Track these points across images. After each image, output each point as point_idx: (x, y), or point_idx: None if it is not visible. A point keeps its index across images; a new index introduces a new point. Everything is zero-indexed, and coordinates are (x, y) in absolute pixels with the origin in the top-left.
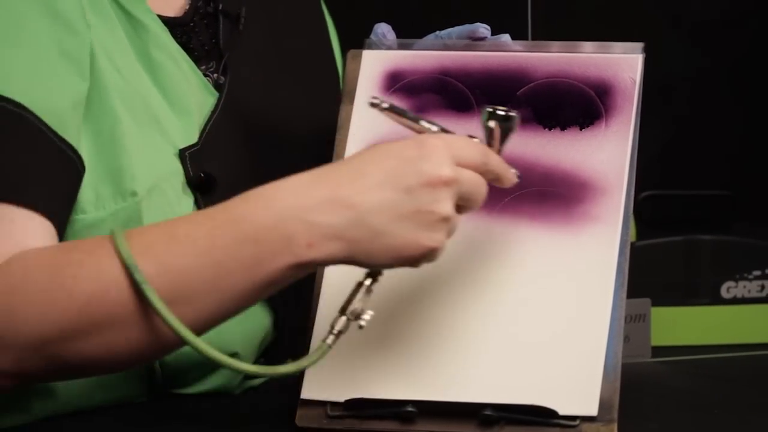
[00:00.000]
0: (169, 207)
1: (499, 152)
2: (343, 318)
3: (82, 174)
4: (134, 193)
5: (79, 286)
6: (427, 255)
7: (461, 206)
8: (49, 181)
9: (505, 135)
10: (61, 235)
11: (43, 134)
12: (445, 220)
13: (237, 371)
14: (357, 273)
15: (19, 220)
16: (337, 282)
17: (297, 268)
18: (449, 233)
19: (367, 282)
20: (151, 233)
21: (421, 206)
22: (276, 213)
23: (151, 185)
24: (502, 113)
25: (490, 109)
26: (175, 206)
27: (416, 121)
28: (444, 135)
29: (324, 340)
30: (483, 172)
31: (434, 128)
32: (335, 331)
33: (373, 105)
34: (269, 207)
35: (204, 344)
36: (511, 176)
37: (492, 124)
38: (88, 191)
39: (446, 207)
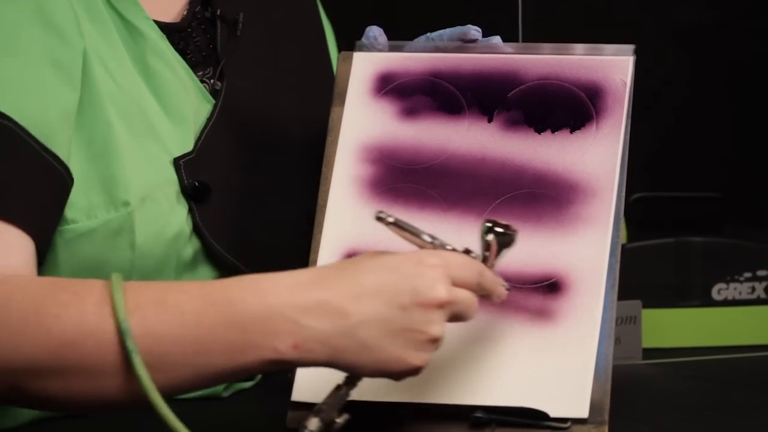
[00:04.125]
0: (162, 216)
1: (492, 266)
2: (316, 420)
3: (69, 186)
4: (126, 203)
5: (58, 327)
6: (412, 372)
7: (452, 319)
8: (31, 195)
9: (501, 249)
10: (46, 248)
11: (28, 146)
12: (435, 340)
13: None
14: None
15: None
16: None
17: (276, 363)
18: (436, 350)
19: (346, 386)
20: (143, 294)
21: (412, 325)
22: (268, 307)
23: (145, 194)
24: (501, 230)
25: (489, 224)
26: (169, 215)
27: (418, 235)
28: (443, 253)
29: None
30: (476, 290)
31: (436, 243)
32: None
33: (378, 219)
34: (263, 299)
35: (173, 416)
36: (501, 292)
37: (490, 237)
38: (79, 200)
39: (437, 329)
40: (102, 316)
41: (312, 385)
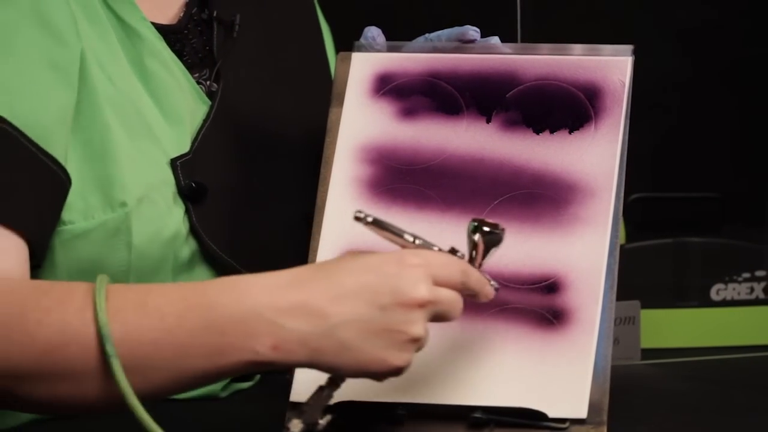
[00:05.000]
0: (159, 217)
1: (480, 266)
2: (298, 421)
3: (67, 188)
4: (123, 204)
5: (42, 333)
6: (393, 373)
7: (435, 319)
8: (26, 197)
9: (488, 249)
10: (43, 250)
11: (24, 148)
12: (415, 340)
13: None
14: None
15: None
16: None
17: (256, 365)
18: (418, 350)
19: (328, 388)
20: (123, 298)
21: (392, 325)
22: (247, 309)
23: (141, 195)
24: (488, 229)
25: (476, 223)
26: (166, 216)
27: (399, 234)
28: (425, 252)
29: None
30: (461, 290)
31: (417, 242)
32: None
33: (357, 219)
34: (242, 301)
35: (150, 420)
36: (489, 292)
37: (476, 237)
38: (76, 201)
39: (418, 329)
40: (84, 321)
41: (311, 385)
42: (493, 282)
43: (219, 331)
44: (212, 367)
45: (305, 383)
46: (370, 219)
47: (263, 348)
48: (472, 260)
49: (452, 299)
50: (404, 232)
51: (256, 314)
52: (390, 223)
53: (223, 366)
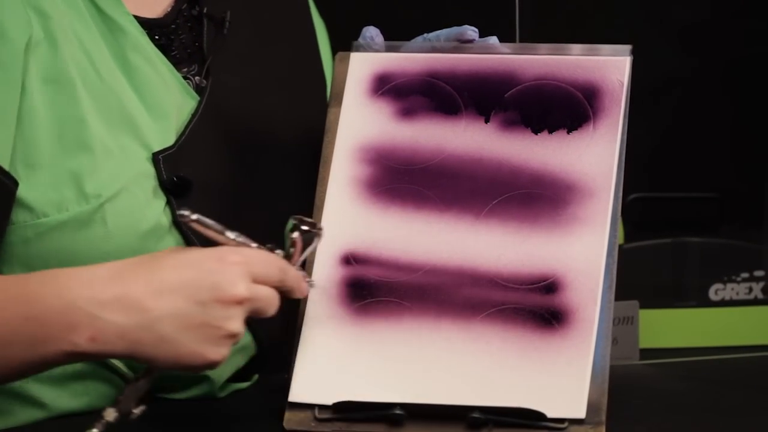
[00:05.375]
0: (137, 209)
1: (298, 263)
2: (112, 410)
3: (12, 190)
4: (98, 195)
5: None
6: (209, 366)
7: (252, 315)
8: None
9: (305, 246)
10: None
11: None
12: (232, 336)
13: None
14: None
15: None
16: (321, 300)
17: (75, 356)
18: (235, 344)
19: (143, 378)
20: None
21: (210, 320)
22: (66, 301)
23: (119, 187)
24: (306, 227)
25: (295, 221)
26: (145, 208)
27: (222, 233)
28: (245, 250)
29: (90, 429)
30: (279, 287)
31: (239, 239)
32: (103, 421)
33: (180, 218)
34: (61, 294)
35: None
36: (304, 289)
37: (294, 235)
38: (51, 194)
39: (235, 325)
40: None
41: (309, 385)
42: (309, 279)
43: (39, 322)
44: (32, 356)
45: (304, 383)
46: (194, 217)
47: (81, 339)
48: (290, 258)
49: (269, 296)
50: (226, 229)
51: (75, 307)
52: (212, 221)
53: (43, 355)
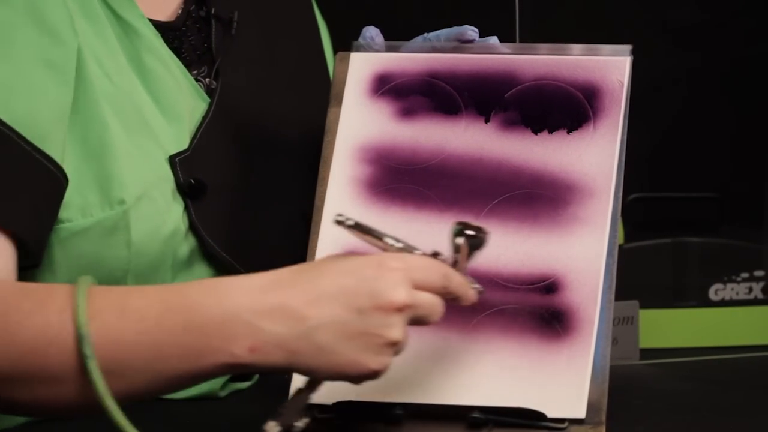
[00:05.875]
0: (158, 214)
1: (463, 269)
2: (275, 423)
3: (64, 186)
4: (122, 201)
5: (22, 335)
6: (370, 376)
7: (414, 323)
8: (17, 197)
9: (472, 252)
10: (40, 249)
11: (19, 147)
12: (393, 344)
13: None
14: None
15: None
16: None
17: (233, 367)
18: (397, 353)
19: (306, 390)
20: (104, 299)
21: (370, 329)
22: (226, 310)
23: (141, 192)
24: (472, 232)
25: (460, 225)
26: (165, 213)
27: (381, 238)
28: (405, 256)
29: None
30: (442, 293)
31: (399, 245)
32: None
33: (338, 223)
34: (221, 303)
35: (127, 423)
36: (471, 296)
37: (460, 240)
38: (74, 199)
39: (396, 333)
40: (63, 323)
41: None
42: (476, 285)
43: (198, 333)
44: (189, 368)
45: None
46: (351, 222)
47: (240, 350)
48: (455, 263)
49: (431, 303)
50: (385, 235)
51: (234, 316)
52: (371, 226)
53: (199, 368)
